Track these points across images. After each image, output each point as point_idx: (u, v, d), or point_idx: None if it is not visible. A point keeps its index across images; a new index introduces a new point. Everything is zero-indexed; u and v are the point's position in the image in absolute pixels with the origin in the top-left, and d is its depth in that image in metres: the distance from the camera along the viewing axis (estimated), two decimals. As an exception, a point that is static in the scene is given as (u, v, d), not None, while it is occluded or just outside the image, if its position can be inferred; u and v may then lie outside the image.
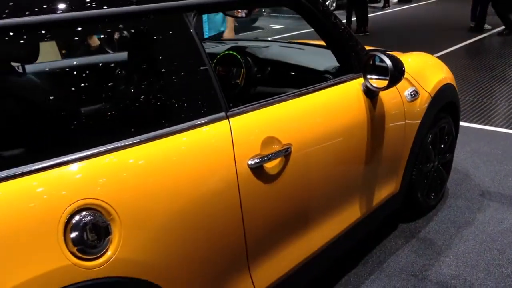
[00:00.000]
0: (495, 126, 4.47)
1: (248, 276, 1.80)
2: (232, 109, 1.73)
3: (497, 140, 4.13)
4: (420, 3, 14.46)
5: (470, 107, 4.98)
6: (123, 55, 1.63)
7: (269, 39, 3.33)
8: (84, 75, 1.58)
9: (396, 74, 2.12)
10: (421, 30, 9.76)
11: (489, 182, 3.42)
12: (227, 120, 1.69)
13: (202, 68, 1.65)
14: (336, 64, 2.49)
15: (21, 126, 1.31)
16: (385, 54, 2.14)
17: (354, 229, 2.34)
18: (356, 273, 2.54)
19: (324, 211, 2.11)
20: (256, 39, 3.17)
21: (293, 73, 2.61)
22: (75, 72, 1.64)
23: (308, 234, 2.04)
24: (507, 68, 6.53)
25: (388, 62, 2.11)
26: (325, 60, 2.60)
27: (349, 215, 2.28)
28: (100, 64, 1.60)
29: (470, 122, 4.53)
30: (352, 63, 2.31)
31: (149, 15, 1.55)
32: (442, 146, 3.00)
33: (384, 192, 2.54)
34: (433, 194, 3.05)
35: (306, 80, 2.35)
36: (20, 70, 1.50)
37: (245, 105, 1.79)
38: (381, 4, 13.81)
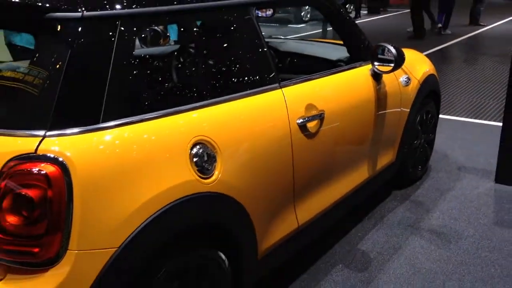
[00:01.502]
0: (464, 117, 5.15)
1: (293, 211, 2.34)
2: (282, 82, 2.28)
3: (467, 128, 4.81)
4: (388, 14, 15.33)
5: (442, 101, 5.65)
6: (212, 40, 2.15)
7: (281, 37, 3.89)
8: (194, 53, 2.08)
9: (399, 60, 2.71)
10: (392, 38, 10.52)
11: (464, 160, 4.05)
12: (280, 89, 2.23)
13: (264, 50, 2.20)
14: (344, 54, 3.08)
15: (167, 85, 1.82)
16: (390, 45, 2.73)
17: (364, 186, 2.91)
18: (362, 225, 3.10)
19: (346, 166, 2.68)
20: (271, 37, 3.71)
21: (310, 63, 3.17)
22: (186, 52, 2.14)
23: (336, 183, 2.60)
24: (471, 71, 7.29)
25: (393, 50, 2.70)
26: (335, 52, 3.18)
27: (361, 173, 2.86)
28: (199, 45, 2.11)
29: (443, 114, 5.19)
30: (361, 52, 2.89)
31: (228, 8, 2.09)
32: (426, 126, 3.60)
33: (385, 159, 3.12)
34: (419, 167, 3.65)
35: (322, 68, 2.91)
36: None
37: (290, 80, 2.34)
38: (352, 15, 14.60)
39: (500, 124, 4.84)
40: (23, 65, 1.74)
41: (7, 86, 1.66)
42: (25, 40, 3.35)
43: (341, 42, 3.17)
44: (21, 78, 1.64)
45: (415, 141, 3.47)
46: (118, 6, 1.72)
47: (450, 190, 3.56)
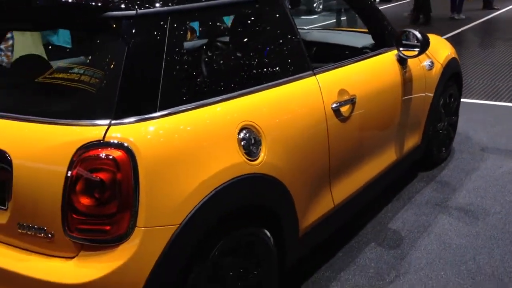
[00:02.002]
0: (483, 99, 5.25)
1: (329, 192, 2.46)
2: (315, 69, 2.40)
3: (488, 110, 4.90)
4: (400, 2, 15.29)
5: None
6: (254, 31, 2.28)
7: (305, 27, 4.01)
8: (236, 45, 2.21)
9: (424, 44, 2.82)
10: (406, 25, 10.55)
11: (486, 141, 4.15)
12: (314, 76, 2.36)
13: (298, 39, 2.33)
14: (368, 41, 3.19)
15: (213, 74, 1.96)
16: (414, 30, 2.84)
17: (393, 168, 3.03)
18: (392, 206, 3.22)
19: (376, 148, 2.80)
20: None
21: (336, 51, 3.28)
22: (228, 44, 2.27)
23: (367, 165, 2.72)
24: (488, 55, 7.34)
25: (419, 35, 2.81)
26: (359, 40, 3.29)
27: (390, 155, 2.97)
28: (240, 37, 2.24)
29: (463, 97, 5.26)
30: (386, 39, 3.00)
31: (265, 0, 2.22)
32: (450, 109, 3.70)
33: (411, 141, 3.23)
34: (444, 148, 3.75)
35: (349, 55, 3.02)
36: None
37: (323, 67, 2.46)
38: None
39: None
40: (82, 62, 1.89)
41: (69, 81, 1.80)
42: (62, 39, 3.49)
43: (362, 30, 3.28)
44: (82, 73, 1.78)
45: (439, 124, 3.57)
46: (168, 3, 1.85)
47: (475, 170, 3.66)
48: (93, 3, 1.80)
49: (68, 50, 3.15)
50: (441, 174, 3.62)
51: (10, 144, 1.71)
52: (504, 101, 5.17)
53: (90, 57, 1.83)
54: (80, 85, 1.76)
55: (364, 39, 3.26)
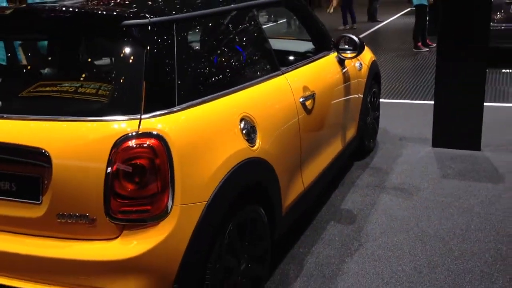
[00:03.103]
0: (390, 99, 5.95)
1: (300, 176, 2.82)
2: (282, 69, 2.75)
3: (396, 107, 5.60)
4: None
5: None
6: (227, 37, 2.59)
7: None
8: (227, 47, 2.50)
9: (361, 46, 3.30)
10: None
11: (402, 132, 4.77)
12: (283, 75, 2.71)
13: (268, 42, 2.68)
14: (309, 47, 3.62)
15: (215, 72, 2.25)
16: (351, 35, 3.32)
17: (340, 155, 3.47)
18: (339, 191, 3.65)
19: (329, 138, 3.22)
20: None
21: (283, 56, 3.67)
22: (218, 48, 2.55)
23: (324, 152, 3.12)
24: (382, 62, 8.21)
25: (356, 39, 3.28)
26: (300, 46, 3.72)
27: (338, 144, 3.41)
28: (228, 41, 2.53)
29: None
30: (325, 43, 3.44)
31: (240, 9, 2.54)
32: (373, 105, 4.25)
33: (351, 133, 3.70)
34: (371, 140, 4.29)
35: (296, 59, 3.41)
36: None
37: (288, 67, 2.82)
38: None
39: (419, 101, 5.80)
40: (105, 66, 2.08)
41: (96, 83, 1.99)
42: None
43: (292, 38, 3.69)
44: (108, 75, 1.98)
45: (367, 117, 4.09)
46: (174, 12, 2.11)
47: (399, 156, 4.22)
48: (111, 14, 2.01)
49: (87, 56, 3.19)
50: (372, 162, 4.13)
51: (47, 143, 1.85)
52: (408, 99, 5.91)
53: (112, 62, 2.03)
54: (107, 85, 1.96)
55: (303, 46, 3.68)
